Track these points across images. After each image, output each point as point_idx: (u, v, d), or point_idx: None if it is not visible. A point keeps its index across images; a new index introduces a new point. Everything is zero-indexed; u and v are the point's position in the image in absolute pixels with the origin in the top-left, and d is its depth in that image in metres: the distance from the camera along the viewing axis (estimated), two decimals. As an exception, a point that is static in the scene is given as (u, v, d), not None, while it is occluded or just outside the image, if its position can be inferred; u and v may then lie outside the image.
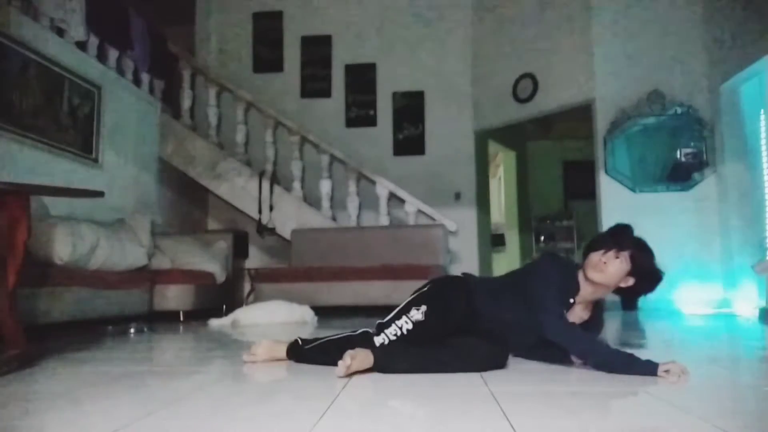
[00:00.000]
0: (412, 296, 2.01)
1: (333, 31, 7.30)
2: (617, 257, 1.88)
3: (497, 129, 7.13)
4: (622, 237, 1.91)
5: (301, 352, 2.05)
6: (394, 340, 1.91)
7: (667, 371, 1.68)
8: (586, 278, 1.92)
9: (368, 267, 5.21)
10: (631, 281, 1.90)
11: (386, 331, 1.93)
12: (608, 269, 1.88)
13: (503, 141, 8.25)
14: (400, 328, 1.91)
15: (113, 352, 2.67)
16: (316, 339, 2.08)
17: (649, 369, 1.71)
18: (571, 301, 1.93)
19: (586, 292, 1.94)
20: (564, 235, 9.12)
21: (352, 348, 1.80)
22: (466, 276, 2.14)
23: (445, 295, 1.98)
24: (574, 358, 2.02)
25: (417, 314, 1.91)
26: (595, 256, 1.90)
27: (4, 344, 2.09)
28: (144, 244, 4.68)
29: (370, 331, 1.97)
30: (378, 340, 1.92)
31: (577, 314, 1.97)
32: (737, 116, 5.27)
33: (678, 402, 1.42)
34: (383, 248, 5.58)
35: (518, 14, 6.62)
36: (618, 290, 1.95)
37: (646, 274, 1.90)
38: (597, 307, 2.03)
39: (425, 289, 2.02)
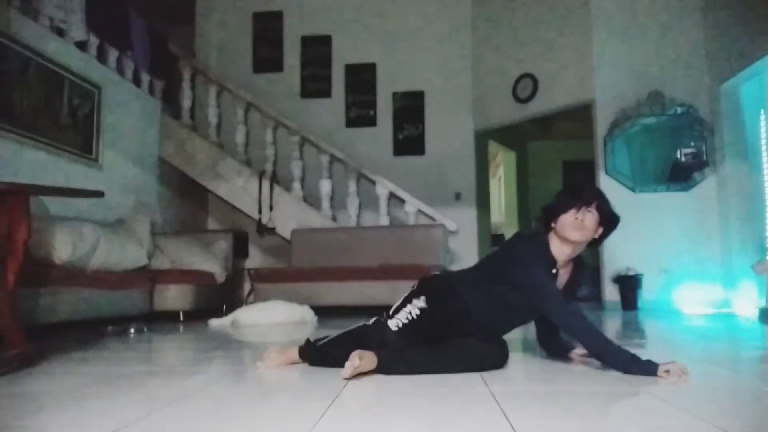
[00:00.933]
0: (406, 294, 2.06)
1: (333, 31, 7.30)
2: (589, 211, 1.92)
3: (497, 129, 7.13)
4: (585, 192, 1.97)
5: (315, 349, 2.04)
6: (407, 323, 1.94)
7: (667, 371, 1.68)
8: (565, 241, 1.95)
9: (368, 267, 5.21)
10: (600, 230, 1.96)
11: (397, 316, 1.97)
12: (586, 224, 1.92)
13: (503, 141, 8.25)
14: (410, 313, 1.95)
15: (113, 352, 2.67)
16: (327, 336, 2.09)
17: (649, 369, 1.71)
18: (554, 271, 1.96)
19: (564, 255, 1.97)
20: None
21: (369, 339, 1.88)
22: (445, 272, 2.23)
23: (435, 284, 2.04)
24: (573, 355, 2.04)
25: (420, 302, 1.96)
26: (569, 218, 1.93)
27: (4, 344, 2.09)
28: (144, 244, 4.69)
29: (381, 319, 2.01)
30: (392, 323, 1.96)
31: (563, 277, 2.01)
32: (737, 116, 5.27)
33: (678, 402, 1.42)
34: (383, 248, 5.58)
35: (518, 14, 6.62)
36: (590, 242, 2.00)
37: (611, 219, 1.97)
38: (576, 264, 2.06)
39: (414, 287, 2.07)
